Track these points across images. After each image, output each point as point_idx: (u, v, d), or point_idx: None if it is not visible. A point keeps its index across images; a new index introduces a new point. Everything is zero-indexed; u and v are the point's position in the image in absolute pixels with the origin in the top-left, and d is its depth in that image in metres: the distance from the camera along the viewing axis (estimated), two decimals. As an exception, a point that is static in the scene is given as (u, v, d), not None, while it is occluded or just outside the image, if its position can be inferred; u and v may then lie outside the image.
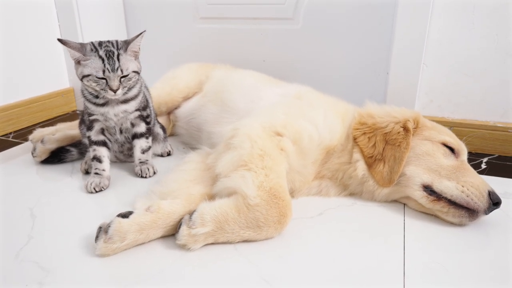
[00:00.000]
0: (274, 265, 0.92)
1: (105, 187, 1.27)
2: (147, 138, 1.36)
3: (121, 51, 1.17)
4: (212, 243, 0.98)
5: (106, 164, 1.31)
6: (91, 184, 1.25)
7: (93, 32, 2.16)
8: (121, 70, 1.17)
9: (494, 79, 1.60)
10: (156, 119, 1.55)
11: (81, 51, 1.15)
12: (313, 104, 1.26)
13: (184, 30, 2.25)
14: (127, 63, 1.18)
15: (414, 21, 1.62)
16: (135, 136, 1.35)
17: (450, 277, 0.89)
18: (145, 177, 1.36)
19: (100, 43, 1.18)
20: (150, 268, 0.90)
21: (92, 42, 1.18)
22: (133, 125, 1.34)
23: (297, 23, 2.01)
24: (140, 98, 1.31)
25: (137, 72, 1.24)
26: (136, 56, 1.24)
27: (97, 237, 0.94)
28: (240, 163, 1.05)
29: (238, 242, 0.99)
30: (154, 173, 1.38)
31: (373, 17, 1.85)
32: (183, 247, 0.96)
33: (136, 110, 1.31)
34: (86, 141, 1.36)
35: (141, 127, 1.34)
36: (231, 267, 0.91)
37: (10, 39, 1.88)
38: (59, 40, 1.14)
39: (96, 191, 1.26)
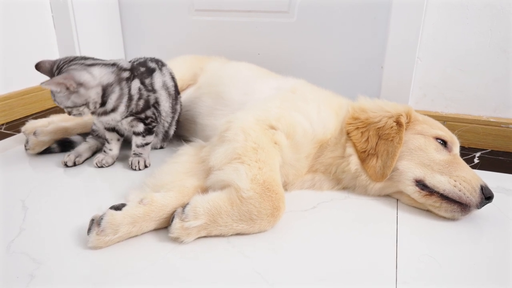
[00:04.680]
0: (267, 258, 0.92)
1: (106, 164, 1.37)
2: (143, 136, 1.36)
3: (54, 92, 1.16)
4: (205, 236, 0.98)
5: (113, 144, 1.38)
6: (96, 159, 1.36)
7: (87, 24, 2.14)
8: (61, 105, 1.20)
9: (488, 74, 1.60)
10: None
11: None
12: (307, 98, 1.26)
13: (179, 22, 2.23)
14: (61, 100, 1.17)
15: (409, 16, 1.62)
16: (134, 133, 1.36)
17: (443, 270, 0.90)
18: (135, 170, 1.36)
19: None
20: (143, 261, 0.90)
21: None
22: (131, 125, 1.34)
23: (292, 17, 2.00)
24: (121, 109, 1.26)
25: (75, 106, 1.17)
26: (69, 90, 1.14)
27: (89, 229, 0.93)
28: (234, 156, 1.05)
29: (231, 235, 0.99)
30: (146, 166, 1.38)
31: (368, 11, 1.84)
32: (175, 240, 0.95)
33: (129, 116, 1.30)
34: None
35: (139, 127, 1.34)
36: (224, 260, 0.91)
37: (3, 30, 1.85)
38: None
39: (98, 166, 1.36)
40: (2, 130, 1.78)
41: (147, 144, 1.37)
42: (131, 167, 1.36)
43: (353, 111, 1.25)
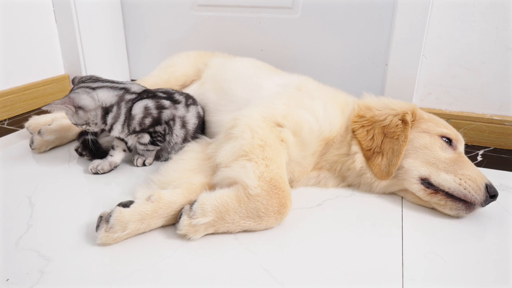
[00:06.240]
0: (274, 254, 0.93)
1: (101, 171, 1.30)
2: (146, 145, 1.33)
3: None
4: (213, 233, 0.98)
5: (117, 152, 1.34)
6: (91, 165, 1.31)
7: (88, 19, 2.13)
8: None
9: (492, 72, 1.60)
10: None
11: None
12: (313, 95, 1.26)
13: (181, 17, 2.22)
14: (68, 117, 1.24)
15: (414, 13, 1.62)
16: (138, 142, 1.34)
17: (448, 267, 0.91)
18: (134, 166, 1.37)
19: None
20: (151, 257, 0.91)
21: None
22: (138, 137, 1.32)
23: (296, 13, 1.99)
24: (117, 128, 1.26)
25: (77, 124, 1.24)
26: (72, 112, 1.21)
27: (98, 226, 0.94)
28: (241, 153, 1.05)
29: (238, 232, 1.00)
30: (144, 165, 1.37)
31: (373, 8, 1.84)
32: (183, 237, 0.96)
33: (133, 133, 1.29)
34: None
35: (145, 138, 1.31)
36: (231, 257, 0.92)
37: (4, 25, 1.84)
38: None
39: (93, 173, 1.31)
40: (5, 126, 1.78)
41: (148, 150, 1.35)
42: (133, 163, 1.38)
43: (359, 109, 1.26)
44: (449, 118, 1.67)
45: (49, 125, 1.47)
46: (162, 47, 2.34)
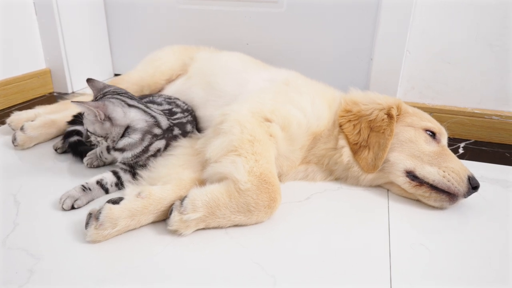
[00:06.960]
0: (264, 248, 0.94)
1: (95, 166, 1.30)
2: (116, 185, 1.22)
3: (84, 114, 1.15)
4: (203, 228, 0.99)
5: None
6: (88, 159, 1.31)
7: (70, 12, 2.08)
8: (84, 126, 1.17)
9: (474, 67, 1.65)
10: None
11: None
12: (301, 90, 1.27)
13: (166, 10, 2.19)
14: (86, 122, 1.15)
15: (398, 9, 1.64)
16: (115, 172, 1.22)
17: (433, 257, 0.94)
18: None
19: None
20: (142, 254, 0.90)
21: None
22: (122, 168, 1.22)
23: (281, 7, 2.00)
24: (126, 155, 1.16)
25: (94, 133, 1.14)
26: (96, 119, 1.11)
27: (87, 223, 0.93)
28: (230, 148, 1.05)
29: (229, 226, 1.00)
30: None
31: (359, 2, 1.86)
32: (174, 232, 0.96)
33: (130, 163, 1.21)
34: None
35: (126, 176, 1.20)
36: (222, 251, 0.93)
37: (-18, 16, 1.78)
38: None
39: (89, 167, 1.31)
40: (-15, 121, 1.73)
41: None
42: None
43: (346, 104, 1.27)
44: (432, 111, 1.71)
45: (32, 121, 1.44)
46: (145, 41, 2.31)
